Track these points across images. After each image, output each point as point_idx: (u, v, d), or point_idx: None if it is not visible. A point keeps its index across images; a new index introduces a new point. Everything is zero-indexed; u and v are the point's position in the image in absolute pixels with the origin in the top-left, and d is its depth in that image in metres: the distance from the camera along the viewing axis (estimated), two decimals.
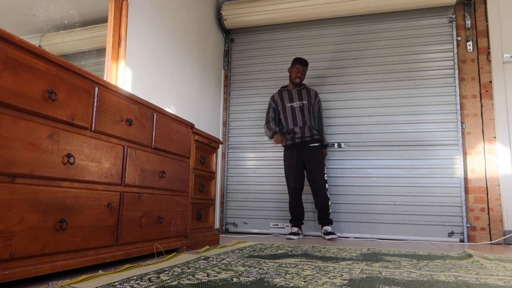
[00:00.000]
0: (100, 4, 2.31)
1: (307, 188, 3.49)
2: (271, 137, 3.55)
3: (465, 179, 3.39)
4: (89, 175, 1.42)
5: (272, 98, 3.61)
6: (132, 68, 2.55)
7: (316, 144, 3.40)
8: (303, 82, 3.64)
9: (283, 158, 3.56)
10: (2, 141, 1.07)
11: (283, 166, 3.64)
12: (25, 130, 1.15)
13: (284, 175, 3.55)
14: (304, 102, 3.46)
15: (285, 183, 3.57)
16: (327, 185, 3.35)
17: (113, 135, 1.58)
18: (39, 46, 1.89)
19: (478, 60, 3.52)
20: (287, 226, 3.66)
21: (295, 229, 3.38)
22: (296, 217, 3.41)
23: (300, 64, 3.51)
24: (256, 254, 2.03)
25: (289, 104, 3.50)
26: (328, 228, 3.29)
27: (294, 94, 3.51)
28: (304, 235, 3.59)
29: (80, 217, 1.36)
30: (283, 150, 3.58)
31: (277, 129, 3.55)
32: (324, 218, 3.32)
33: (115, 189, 1.58)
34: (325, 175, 3.37)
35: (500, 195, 3.27)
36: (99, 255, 1.45)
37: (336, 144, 3.71)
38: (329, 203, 3.33)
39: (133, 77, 2.55)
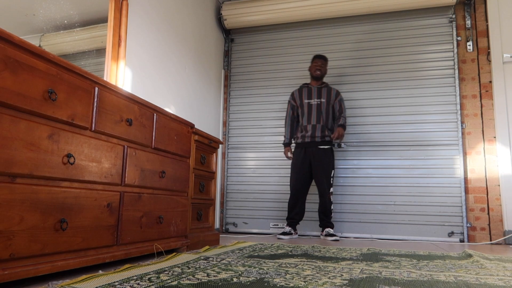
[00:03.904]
0: (100, 4, 2.31)
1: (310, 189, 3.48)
2: (283, 144, 3.56)
3: (465, 179, 3.39)
4: (89, 175, 1.42)
5: (292, 94, 3.57)
6: (132, 68, 2.55)
7: (326, 147, 3.35)
8: (325, 81, 3.60)
9: (292, 154, 3.51)
10: (2, 141, 1.07)
11: (283, 166, 3.64)
12: (25, 130, 1.15)
13: (289, 174, 3.49)
14: (323, 100, 3.42)
15: (286, 183, 3.57)
16: (331, 189, 3.32)
17: (113, 135, 1.58)
18: (39, 46, 1.89)
19: (478, 60, 3.52)
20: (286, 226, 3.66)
21: (287, 229, 3.35)
22: (291, 216, 3.38)
23: (319, 58, 3.50)
24: (256, 254, 2.03)
25: (306, 101, 3.46)
26: (330, 230, 3.27)
27: (314, 91, 3.47)
28: (303, 235, 3.58)
29: (80, 217, 1.36)
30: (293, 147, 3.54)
31: (290, 139, 3.52)
32: (326, 221, 3.31)
33: (115, 189, 1.58)
34: (332, 179, 3.33)
35: (500, 195, 3.27)
36: (99, 255, 1.45)
37: (336, 144, 3.71)
38: (332, 207, 3.32)
39: (133, 77, 2.55)
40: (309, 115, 3.43)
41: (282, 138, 3.85)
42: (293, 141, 3.55)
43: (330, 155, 3.38)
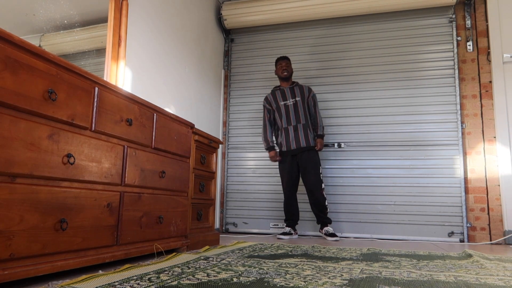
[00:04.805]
0: (100, 4, 2.31)
1: (302, 188, 3.48)
2: (266, 149, 3.56)
3: (465, 179, 3.39)
4: (89, 175, 1.42)
5: (266, 99, 3.59)
6: (132, 68, 2.55)
7: (311, 146, 3.38)
8: (296, 80, 3.63)
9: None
10: (2, 141, 1.07)
11: None
12: (25, 130, 1.15)
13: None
14: (298, 99, 3.44)
15: None
16: (323, 185, 3.33)
17: (113, 135, 1.58)
18: (39, 46, 1.89)
19: (478, 60, 3.52)
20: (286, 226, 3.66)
21: (287, 229, 3.38)
22: (290, 217, 3.41)
23: (282, 59, 3.53)
24: (256, 254, 2.03)
25: (282, 103, 3.48)
26: (329, 229, 3.28)
27: (287, 92, 3.49)
28: (303, 235, 3.58)
29: (80, 217, 1.36)
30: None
31: (273, 142, 3.52)
32: (323, 217, 3.31)
33: (115, 189, 1.58)
34: (321, 175, 3.35)
35: (500, 195, 3.27)
36: (99, 255, 1.45)
37: (336, 144, 3.71)
38: (326, 203, 3.33)
39: (133, 77, 2.55)
40: (287, 117, 3.44)
41: None
42: (276, 148, 3.55)
43: (316, 153, 3.40)
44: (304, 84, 3.78)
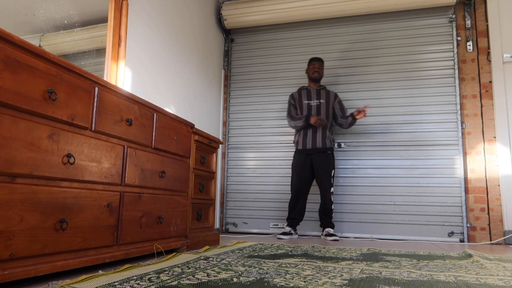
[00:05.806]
0: (100, 4, 2.31)
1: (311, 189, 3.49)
2: (305, 122, 3.35)
3: (465, 179, 3.39)
4: (89, 175, 1.42)
5: (291, 95, 3.58)
6: (132, 68, 2.55)
7: (328, 151, 3.37)
8: (323, 84, 3.62)
9: (293, 157, 3.51)
10: (2, 141, 1.07)
11: (283, 166, 3.64)
12: (25, 130, 1.15)
13: (290, 174, 3.50)
14: (322, 101, 3.44)
15: (286, 183, 3.57)
16: (332, 189, 3.33)
17: (113, 135, 1.58)
18: (39, 46, 1.89)
19: (478, 60, 3.52)
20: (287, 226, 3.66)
21: (287, 229, 3.37)
22: (292, 216, 3.39)
23: (316, 61, 3.53)
24: (256, 254, 2.03)
25: (306, 102, 3.48)
26: (330, 230, 3.28)
27: (313, 93, 3.49)
28: (303, 235, 3.58)
29: (80, 217, 1.36)
30: (293, 150, 3.53)
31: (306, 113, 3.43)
32: (327, 221, 3.31)
33: (115, 189, 1.58)
34: (332, 179, 3.34)
35: (500, 195, 3.27)
36: (99, 255, 1.45)
37: (336, 144, 3.71)
38: (332, 207, 3.32)
39: (133, 77, 2.55)
40: None
41: (282, 138, 3.86)
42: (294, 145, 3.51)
43: (331, 156, 3.39)
44: (332, 85, 3.76)
